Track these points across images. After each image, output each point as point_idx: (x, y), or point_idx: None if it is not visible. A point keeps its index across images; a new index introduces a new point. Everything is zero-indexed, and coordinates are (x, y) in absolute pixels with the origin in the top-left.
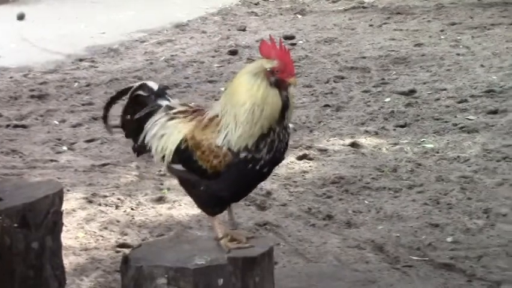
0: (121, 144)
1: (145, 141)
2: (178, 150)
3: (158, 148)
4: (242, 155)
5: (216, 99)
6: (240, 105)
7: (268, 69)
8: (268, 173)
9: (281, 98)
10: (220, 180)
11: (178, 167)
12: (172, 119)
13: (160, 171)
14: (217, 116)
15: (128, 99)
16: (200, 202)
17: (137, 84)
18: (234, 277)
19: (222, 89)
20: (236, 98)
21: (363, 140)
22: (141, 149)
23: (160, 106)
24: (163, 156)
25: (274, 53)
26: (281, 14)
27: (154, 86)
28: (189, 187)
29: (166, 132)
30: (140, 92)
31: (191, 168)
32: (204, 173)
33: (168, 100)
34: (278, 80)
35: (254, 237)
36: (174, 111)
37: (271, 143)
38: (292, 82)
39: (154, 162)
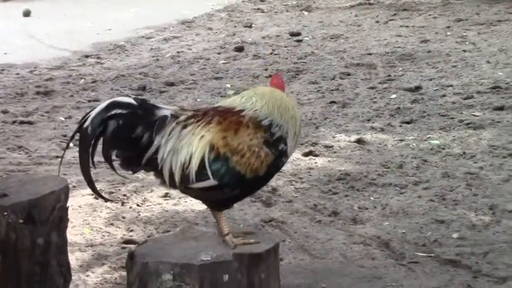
0: None
1: (159, 161)
2: (206, 162)
3: (177, 165)
4: (280, 147)
5: (228, 98)
6: (296, 121)
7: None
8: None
9: None
10: (256, 181)
11: (205, 183)
12: (185, 127)
13: None
14: (252, 117)
15: (102, 125)
16: (219, 205)
17: (103, 105)
18: (239, 273)
19: (230, 90)
20: (289, 113)
21: (368, 137)
22: (148, 167)
23: (165, 117)
24: (183, 174)
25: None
26: (287, 11)
27: (128, 100)
28: (214, 198)
29: (185, 144)
30: (117, 111)
31: (225, 177)
32: (242, 178)
33: (164, 108)
34: None
35: (254, 234)
36: (183, 118)
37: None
38: None
39: (166, 186)
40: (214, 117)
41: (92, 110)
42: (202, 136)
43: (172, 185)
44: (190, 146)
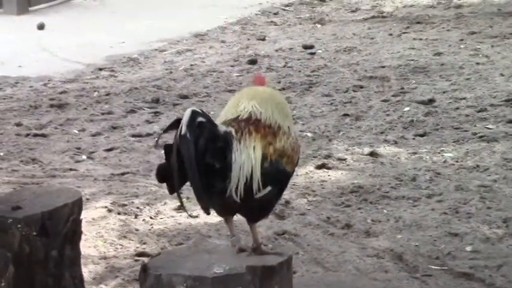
0: (140, 153)
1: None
2: (262, 171)
3: (241, 180)
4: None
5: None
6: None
7: None
8: None
9: None
10: (292, 172)
11: (265, 191)
12: (239, 141)
13: None
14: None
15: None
16: (264, 211)
17: (189, 111)
18: (252, 286)
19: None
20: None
21: (382, 149)
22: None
23: (227, 132)
24: (246, 187)
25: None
26: (300, 24)
27: (200, 110)
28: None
29: (245, 158)
30: (201, 119)
31: (279, 179)
32: (288, 176)
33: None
34: None
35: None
36: (234, 133)
37: None
38: None
39: (231, 199)
40: (249, 127)
41: (180, 119)
42: (254, 147)
43: (231, 199)
44: (249, 159)
